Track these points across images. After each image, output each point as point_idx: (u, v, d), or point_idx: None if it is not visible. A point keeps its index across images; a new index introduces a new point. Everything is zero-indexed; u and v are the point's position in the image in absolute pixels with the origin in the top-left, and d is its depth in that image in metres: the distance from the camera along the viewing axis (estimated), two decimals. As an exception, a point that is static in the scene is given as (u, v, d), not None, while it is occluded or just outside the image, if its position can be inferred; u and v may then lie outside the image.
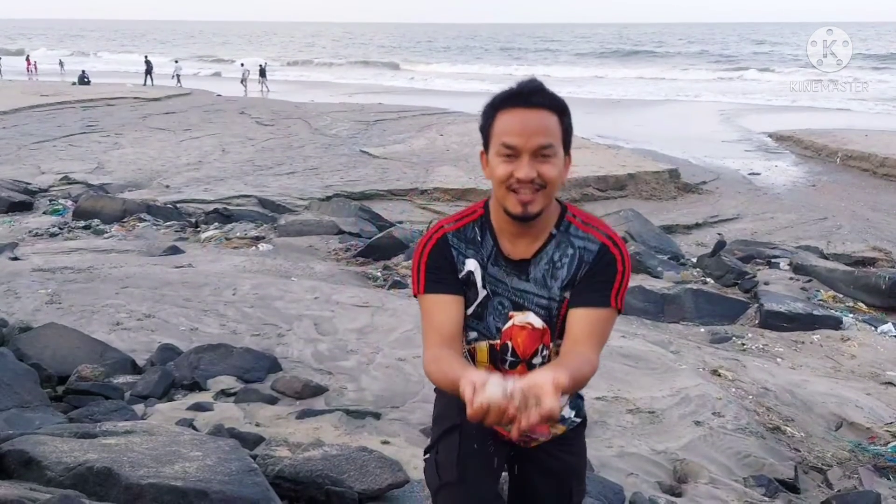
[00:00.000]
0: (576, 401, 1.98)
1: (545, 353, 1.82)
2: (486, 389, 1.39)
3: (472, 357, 1.87)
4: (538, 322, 1.79)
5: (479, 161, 1.82)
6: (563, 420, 1.93)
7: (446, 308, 1.79)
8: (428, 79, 46.66)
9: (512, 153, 1.68)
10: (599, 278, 1.76)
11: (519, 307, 1.81)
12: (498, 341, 1.83)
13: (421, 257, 1.83)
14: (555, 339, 1.82)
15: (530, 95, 1.69)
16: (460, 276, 1.81)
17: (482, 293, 1.82)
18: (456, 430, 1.86)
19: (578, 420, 1.99)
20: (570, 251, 1.79)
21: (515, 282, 1.81)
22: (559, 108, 1.71)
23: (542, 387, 1.38)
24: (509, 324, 1.80)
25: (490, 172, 1.75)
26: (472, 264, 1.81)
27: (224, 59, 62.52)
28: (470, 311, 1.83)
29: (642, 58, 63.30)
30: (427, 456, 1.93)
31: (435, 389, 1.98)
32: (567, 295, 1.78)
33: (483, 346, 1.85)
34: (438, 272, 1.81)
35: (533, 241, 1.80)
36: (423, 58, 67.98)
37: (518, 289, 1.81)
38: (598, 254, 1.78)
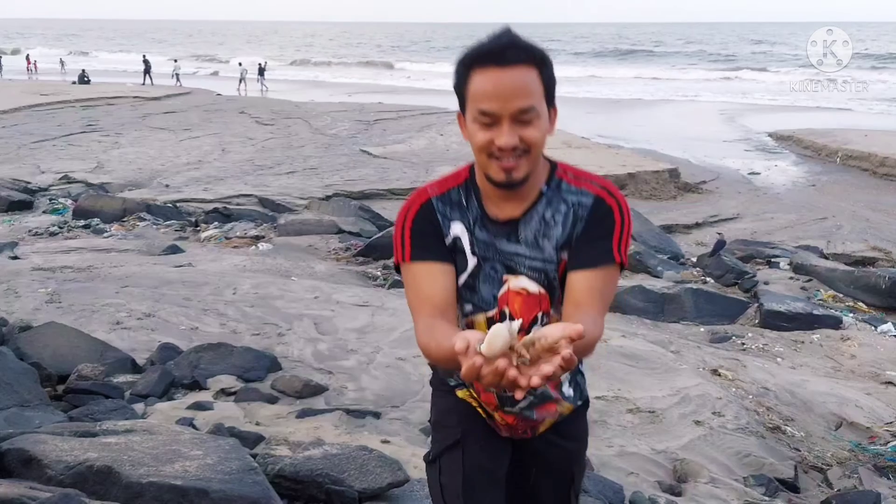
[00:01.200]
0: (576, 377, 1.85)
1: (545, 321, 1.68)
2: (485, 341, 1.24)
3: None
4: (533, 287, 1.65)
5: (457, 123, 1.68)
6: (566, 398, 1.82)
7: (436, 276, 1.65)
8: (426, 78, 46.63)
9: (490, 120, 1.54)
10: (597, 233, 1.62)
11: (511, 271, 1.67)
12: (495, 310, 1.69)
13: (405, 223, 1.69)
14: (555, 305, 1.68)
15: (504, 51, 1.53)
16: (447, 243, 1.68)
17: (472, 261, 1.68)
18: (458, 447, 1.79)
19: (581, 402, 1.88)
20: (563, 208, 1.65)
21: (505, 244, 1.67)
22: (538, 61, 1.56)
23: (553, 335, 1.23)
24: (504, 288, 1.67)
25: (469, 137, 1.61)
26: (458, 228, 1.68)
27: (222, 59, 62.38)
28: (461, 281, 1.69)
29: (641, 57, 63.30)
30: (429, 465, 1.87)
31: (431, 382, 1.92)
32: (564, 256, 1.65)
33: (480, 318, 1.72)
34: (425, 238, 1.67)
35: (521, 203, 1.66)
36: (424, 56, 67.94)
37: (508, 252, 1.67)
38: (592, 207, 1.64)
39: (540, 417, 1.80)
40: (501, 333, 1.24)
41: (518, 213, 1.66)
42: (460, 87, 1.61)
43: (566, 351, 1.22)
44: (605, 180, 1.70)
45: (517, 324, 1.27)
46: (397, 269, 1.73)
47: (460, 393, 1.83)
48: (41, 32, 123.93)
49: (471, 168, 1.72)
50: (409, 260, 1.67)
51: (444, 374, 1.86)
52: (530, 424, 1.80)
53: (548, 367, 1.22)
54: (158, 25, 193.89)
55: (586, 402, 1.91)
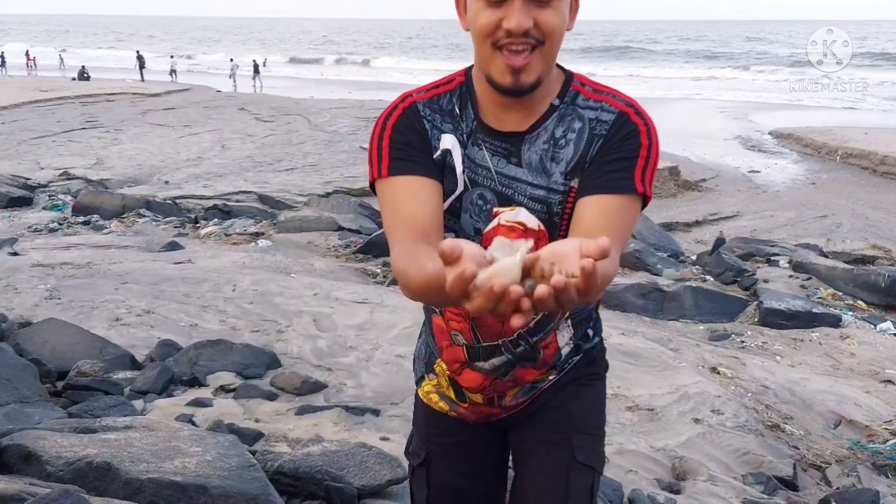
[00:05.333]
0: (586, 329, 1.57)
1: None
2: (486, 274, 0.93)
3: None
4: (532, 221, 1.35)
5: (455, 7, 1.37)
6: (554, 364, 1.54)
7: (419, 193, 1.34)
8: (419, 76, 46.63)
9: None
10: (618, 155, 1.33)
11: (506, 200, 1.38)
12: None
13: (384, 131, 1.40)
14: None
15: None
16: (435, 157, 1.39)
17: (461, 183, 1.39)
18: (424, 466, 1.67)
19: (585, 347, 1.58)
20: (578, 125, 1.36)
21: (502, 165, 1.37)
22: None
23: (568, 254, 0.94)
24: (494, 223, 1.35)
25: (469, 22, 1.31)
26: (449, 141, 1.38)
27: (204, 54, 62.26)
28: (445, 205, 1.40)
29: (638, 55, 63.25)
30: (408, 457, 1.77)
31: (415, 385, 1.73)
32: (574, 184, 1.35)
33: None
34: (407, 148, 1.38)
35: (528, 116, 1.37)
36: (421, 53, 67.88)
37: (505, 175, 1.37)
38: (614, 124, 1.35)
39: (511, 381, 1.52)
40: (510, 270, 0.93)
41: (523, 126, 1.37)
42: None
43: (586, 261, 0.90)
44: (630, 97, 1.41)
45: (527, 247, 0.97)
46: (373, 187, 1.43)
47: (421, 390, 1.69)
48: (30, 28, 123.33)
49: (467, 71, 1.44)
50: (388, 174, 1.37)
51: (422, 350, 1.68)
52: (498, 391, 1.54)
53: (559, 278, 0.90)
54: (156, 22, 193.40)
55: (591, 358, 1.61)
